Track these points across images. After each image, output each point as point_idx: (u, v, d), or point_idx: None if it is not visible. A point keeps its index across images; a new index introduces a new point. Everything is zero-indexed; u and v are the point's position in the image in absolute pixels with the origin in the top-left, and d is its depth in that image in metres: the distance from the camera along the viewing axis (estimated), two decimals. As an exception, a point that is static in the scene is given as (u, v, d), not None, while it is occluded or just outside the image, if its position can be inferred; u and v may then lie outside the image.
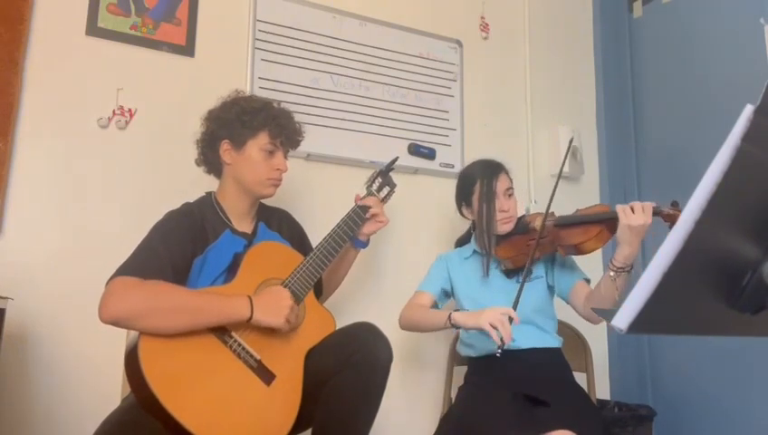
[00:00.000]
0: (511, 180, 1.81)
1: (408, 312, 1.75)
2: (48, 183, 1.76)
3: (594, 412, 1.56)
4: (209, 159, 1.59)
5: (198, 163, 1.63)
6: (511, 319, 1.44)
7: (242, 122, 1.51)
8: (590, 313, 1.67)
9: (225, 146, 1.54)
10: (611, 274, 1.53)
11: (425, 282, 1.83)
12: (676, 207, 1.52)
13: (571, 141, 1.82)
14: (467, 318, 1.53)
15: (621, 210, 1.50)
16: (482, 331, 1.46)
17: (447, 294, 1.84)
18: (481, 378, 1.70)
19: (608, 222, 1.60)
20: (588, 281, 1.75)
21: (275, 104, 1.59)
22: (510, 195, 1.78)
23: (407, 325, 1.75)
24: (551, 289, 1.79)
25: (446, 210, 2.25)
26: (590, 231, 1.60)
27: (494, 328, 1.43)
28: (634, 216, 1.47)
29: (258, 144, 1.52)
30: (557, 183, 1.70)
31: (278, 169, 1.55)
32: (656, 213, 1.50)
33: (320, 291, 1.69)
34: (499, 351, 1.41)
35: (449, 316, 1.57)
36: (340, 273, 1.75)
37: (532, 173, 2.54)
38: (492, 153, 1.89)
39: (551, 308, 1.78)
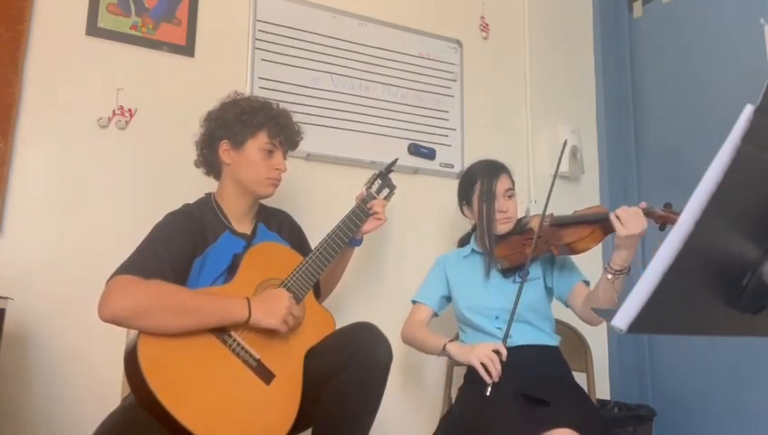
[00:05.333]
0: (512, 181, 1.81)
1: (408, 331, 1.77)
2: (48, 183, 1.76)
3: (595, 412, 1.56)
4: (208, 160, 1.59)
5: (198, 165, 1.63)
6: (500, 355, 1.47)
7: (241, 122, 1.51)
8: (589, 315, 1.67)
9: (224, 146, 1.54)
10: (609, 276, 1.53)
11: (422, 291, 1.84)
12: (669, 208, 1.51)
13: (564, 144, 1.82)
14: (459, 352, 1.58)
15: (616, 221, 1.49)
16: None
17: (447, 299, 1.84)
18: (480, 378, 1.69)
19: (602, 222, 1.59)
20: (587, 283, 1.75)
21: (274, 105, 1.60)
22: (510, 196, 1.78)
23: (407, 343, 1.79)
24: (548, 291, 1.79)
25: (447, 210, 2.25)
26: (583, 231, 1.61)
27: (484, 365, 1.47)
28: (631, 225, 1.46)
29: (257, 144, 1.52)
30: (552, 184, 1.69)
31: (277, 169, 1.55)
32: (647, 214, 1.49)
33: (318, 292, 1.69)
34: (489, 389, 1.45)
35: (444, 346, 1.61)
36: (338, 272, 1.76)
37: (532, 173, 2.54)
38: (492, 153, 1.89)
39: (547, 308, 1.77)
